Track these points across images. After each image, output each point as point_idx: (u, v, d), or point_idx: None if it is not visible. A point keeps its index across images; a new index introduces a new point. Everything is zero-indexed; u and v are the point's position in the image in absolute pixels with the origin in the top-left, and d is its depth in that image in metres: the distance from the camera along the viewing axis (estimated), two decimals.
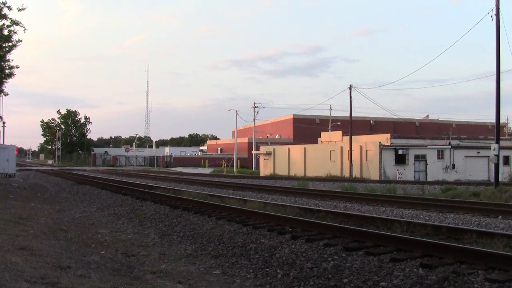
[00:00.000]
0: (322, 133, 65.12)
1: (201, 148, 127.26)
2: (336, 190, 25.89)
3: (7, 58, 31.15)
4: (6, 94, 36.52)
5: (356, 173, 46.90)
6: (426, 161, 46.77)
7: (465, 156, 47.68)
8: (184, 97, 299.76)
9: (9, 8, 26.42)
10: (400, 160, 45.55)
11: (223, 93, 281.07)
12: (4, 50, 29.67)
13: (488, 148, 29.69)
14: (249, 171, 66.34)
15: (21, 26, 27.74)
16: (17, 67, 32.66)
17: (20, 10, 26.51)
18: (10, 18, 27.38)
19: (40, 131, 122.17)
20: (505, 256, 7.14)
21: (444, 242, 8.75)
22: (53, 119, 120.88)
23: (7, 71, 32.33)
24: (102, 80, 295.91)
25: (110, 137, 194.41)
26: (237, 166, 68.74)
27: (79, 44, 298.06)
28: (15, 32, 28.63)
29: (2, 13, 26.73)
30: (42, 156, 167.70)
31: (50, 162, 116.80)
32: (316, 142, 62.40)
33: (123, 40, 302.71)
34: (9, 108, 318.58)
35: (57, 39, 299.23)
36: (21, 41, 29.75)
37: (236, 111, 71.43)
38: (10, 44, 29.34)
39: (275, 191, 24.73)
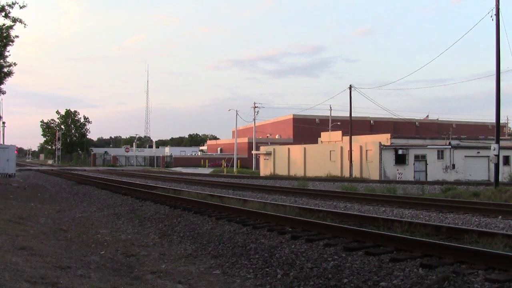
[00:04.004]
0: (322, 133, 65.13)
1: (201, 148, 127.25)
2: (336, 190, 25.89)
3: (5, 54, 31.17)
4: (4, 93, 36.54)
5: (356, 173, 46.90)
6: (426, 161, 46.76)
7: (465, 156, 47.69)
8: (184, 97, 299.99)
9: (11, 6, 26.42)
10: (400, 160, 45.54)
11: (223, 93, 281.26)
12: (1, 46, 29.65)
13: (488, 148, 29.69)
14: (249, 171, 66.34)
15: (22, 23, 27.75)
16: (14, 64, 32.70)
17: (21, 7, 26.50)
18: (12, 17, 27.39)
19: (40, 131, 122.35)
20: (505, 256, 7.14)
21: (444, 242, 8.76)
22: (52, 120, 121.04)
23: (5, 70, 32.34)
24: (102, 80, 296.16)
25: (110, 137, 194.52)
26: (237, 166, 68.74)
27: (79, 44, 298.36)
28: (12, 28, 28.66)
29: (5, 12, 26.73)
30: (42, 156, 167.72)
31: (50, 162, 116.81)
32: (316, 142, 62.41)
33: (123, 40, 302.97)
34: (9, 108, 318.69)
35: (57, 39, 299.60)
36: (17, 36, 29.85)
37: (236, 111, 71.52)
38: (5, 40, 29.34)
39: (275, 191, 24.73)
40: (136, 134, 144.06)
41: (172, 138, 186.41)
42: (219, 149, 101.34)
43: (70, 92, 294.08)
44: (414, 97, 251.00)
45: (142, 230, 13.27)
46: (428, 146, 47.87)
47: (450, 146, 47.71)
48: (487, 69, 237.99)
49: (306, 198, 21.14)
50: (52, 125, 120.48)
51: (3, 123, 67.87)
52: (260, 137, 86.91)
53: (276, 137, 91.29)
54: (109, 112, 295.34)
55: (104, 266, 8.84)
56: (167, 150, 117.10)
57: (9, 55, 32.23)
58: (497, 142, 26.24)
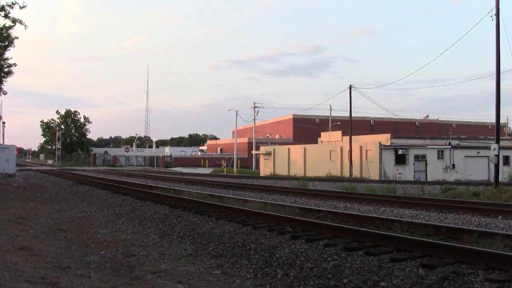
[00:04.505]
0: (322, 133, 65.11)
1: (201, 148, 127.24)
2: (336, 190, 25.89)
3: (5, 56, 31.24)
4: (5, 93, 36.59)
5: (356, 173, 46.89)
6: (426, 161, 46.76)
7: (465, 156, 47.68)
8: (184, 97, 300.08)
9: (10, 6, 26.46)
10: (400, 160, 45.54)
11: (223, 93, 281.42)
12: (2, 47, 29.71)
13: (488, 148, 29.69)
14: (249, 171, 66.32)
15: (23, 24, 27.78)
16: (15, 65, 32.76)
17: (21, 7, 26.53)
18: (12, 17, 27.44)
19: (40, 131, 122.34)
20: (505, 256, 7.13)
21: (444, 242, 8.75)
22: (52, 120, 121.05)
23: (6, 69, 32.39)
24: (102, 80, 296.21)
25: (110, 137, 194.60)
26: (237, 166, 68.73)
27: (79, 44, 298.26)
28: (11, 28, 28.71)
29: (6, 12, 26.78)
30: (42, 156, 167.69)
31: (50, 162, 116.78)
32: (316, 142, 62.40)
33: (123, 40, 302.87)
34: (9, 108, 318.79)
35: (57, 39, 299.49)
36: (17, 37, 29.92)
37: (236, 111, 71.52)
38: (7, 42, 29.40)
39: (275, 191, 24.72)
40: (136, 134, 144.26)
41: (172, 138, 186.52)
42: (219, 149, 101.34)
43: (70, 92, 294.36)
44: (414, 97, 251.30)
45: (142, 230, 13.27)
46: (428, 146, 47.86)
47: (450, 146, 47.71)
48: (487, 69, 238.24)
49: (306, 198, 21.14)
50: (52, 125, 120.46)
51: (3, 123, 67.99)
52: (260, 137, 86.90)
53: (276, 137, 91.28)
54: (109, 112, 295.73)
55: (104, 266, 8.84)
56: (167, 150, 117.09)
57: (11, 57, 32.38)
58: (497, 142, 26.23)
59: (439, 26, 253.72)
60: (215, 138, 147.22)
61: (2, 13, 26.89)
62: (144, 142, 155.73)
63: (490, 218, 14.06)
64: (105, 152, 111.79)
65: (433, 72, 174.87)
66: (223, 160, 74.52)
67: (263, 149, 62.84)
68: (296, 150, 56.66)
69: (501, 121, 29.40)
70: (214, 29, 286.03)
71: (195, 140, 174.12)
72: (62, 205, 20.53)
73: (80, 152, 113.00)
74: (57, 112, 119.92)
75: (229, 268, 8.77)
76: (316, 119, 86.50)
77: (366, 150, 46.87)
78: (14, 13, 39.25)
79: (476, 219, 13.76)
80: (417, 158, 46.50)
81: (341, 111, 74.65)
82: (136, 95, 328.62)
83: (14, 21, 27.62)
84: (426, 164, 46.66)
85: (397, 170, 44.80)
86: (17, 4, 26.39)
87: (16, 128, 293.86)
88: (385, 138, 49.23)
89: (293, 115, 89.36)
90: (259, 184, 31.88)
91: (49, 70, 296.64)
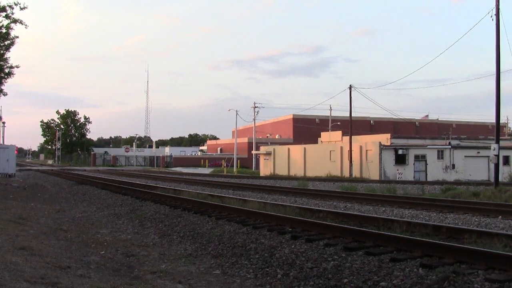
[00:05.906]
0: (322, 133, 65.11)
1: (201, 148, 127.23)
2: (336, 190, 25.88)
3: (6, 56, 31.24)
4: (5, 94, 36.56)
5: (356, 173, 46.89)
6: (426, 161, 46.76)
7: (465, 156, 47.68)
8: (184, 97, 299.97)
9: (11, 7, 26.54)
10: (400, 160, 45.54)
11: (223, 93, 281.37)
12: (3, 49, 29.75)
13: (488, 148, 29.69)
14: (249, 171, 66.32)
15: (23, 24, 27.84)
16: (17, 66, 32.70)
17: (22, 9, 26.59)
18: (13, 18, 27.49)
19: (40, 131, 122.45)
20: (505, 256, 7.13)
21: (444, 242, 8.76)
22: (52, 120, 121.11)
23: (6, 70, 32.37)
24: (102, 80, 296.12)
25: (110, 137, 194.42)
26: (237, 166, 68.72)
27: (79, 44, 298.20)
28: (12, 28, 28.74)
29: (6, 13, 26.84)
30: (42, 156, 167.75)
31: (50, 162, 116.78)
32: (316, 142, 62.40)
33: (123, 40, 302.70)
34: (9, 108, 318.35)
35: (57, 39, 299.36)
36: (17, 37, 29.94)
37: (236, 111, 71.52)
38: (8, 42, 29.42)
39: (275, 191, 24.72)
40: (136, 134, 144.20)
41: (172, 138, 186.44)
42: (219, 149, 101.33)
43: (70, 92, 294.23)
44: (414, 97, 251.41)
45: (142, 230, 13.27)
46: (428, 146, 47.86)
47: (450, 146, 47.70)
48: (487, 69, 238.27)
49: (306, 198, 21.14)
50: (52, 125, 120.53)
51: (3, 123, 68.00)
52: (260, 137, 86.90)
53: (276, 137, 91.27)
54: (109, 112, 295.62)
55: (104, 266, 8.84)
56: (167, 150, 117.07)
57: (9, 56, 32.32)
58: (497, 142, 26.23)
59: (439, 26, 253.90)
60: (215, 138, 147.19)
61: (3, 14, 26.94)
62: (144, 142, 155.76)
63: (490, 218, 14.06)
64: (105, 152, 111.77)
65: (433, 72, 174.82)
66: (223, 160, 74.50)
67: (263, 149, 62.84)
68: (296, 150, 56.66)
69: (501, 121, 29.40)
70: (214, 29, 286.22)
71: (195, 140, 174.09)
72: (62, 205, 20.53)
73: (80, 152, 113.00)
74: (57, 112, 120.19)
75: (229, 268, 8.77)
76: (316, 119, 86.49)
77: (366, 150, 46.87)
78: (15, 13, 39.29)
79: (476, 219, 13.76)
80: (417, 158, 46.50)
81: (341, 111, 74.70)
82: (136, 95, 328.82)
83: (15, 21, 27.66)
84: (426, 164, 46.66)
85: (397, 170, 44.80)
86: (19, 4, 26.47)
87: (16, 128, 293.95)
88: (385, 138, 49.24)
89: (293, 115, 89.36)
90: (259, 184, 31.88)
91: (49, 70, 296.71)
